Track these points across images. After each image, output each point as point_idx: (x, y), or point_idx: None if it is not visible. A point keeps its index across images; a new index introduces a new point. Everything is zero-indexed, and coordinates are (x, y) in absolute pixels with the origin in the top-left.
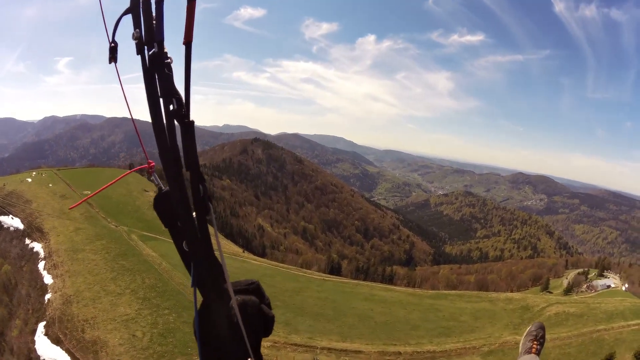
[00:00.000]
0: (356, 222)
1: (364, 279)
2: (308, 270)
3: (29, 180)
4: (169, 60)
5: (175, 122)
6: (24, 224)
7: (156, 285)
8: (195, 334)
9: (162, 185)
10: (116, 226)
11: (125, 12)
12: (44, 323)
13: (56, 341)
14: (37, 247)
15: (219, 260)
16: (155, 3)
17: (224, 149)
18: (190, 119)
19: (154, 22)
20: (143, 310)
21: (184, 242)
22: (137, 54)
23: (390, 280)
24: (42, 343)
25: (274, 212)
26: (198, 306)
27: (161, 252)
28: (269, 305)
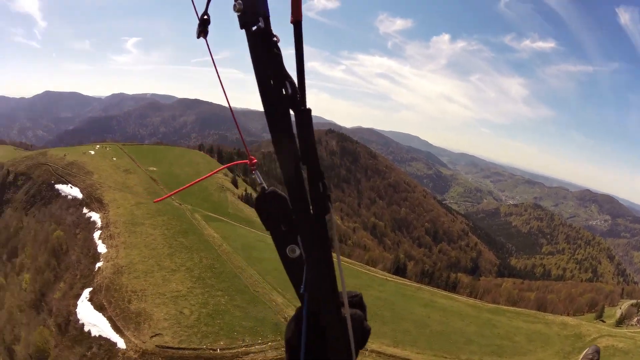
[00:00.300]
0: (426, 223)
1: (428, 283)
2: (372, 268)
3: (92, 152)
4: (275, 39)
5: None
6: (83, 194)
7: (213, 265)
8: (289, 340)
9: (265, 184)
10: (179, 204)
11: None
12: (90, 289)
13: (99, 307)
14: (95, 216)
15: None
16: None
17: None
18: (307, 107)
19: None
20: (195, 289)
21: (289, 246)
22: (241, 28)
23: (453, 287)
24: (84, 308)
25: (345, 206)
26: (295, 312)
27: (223, 234)
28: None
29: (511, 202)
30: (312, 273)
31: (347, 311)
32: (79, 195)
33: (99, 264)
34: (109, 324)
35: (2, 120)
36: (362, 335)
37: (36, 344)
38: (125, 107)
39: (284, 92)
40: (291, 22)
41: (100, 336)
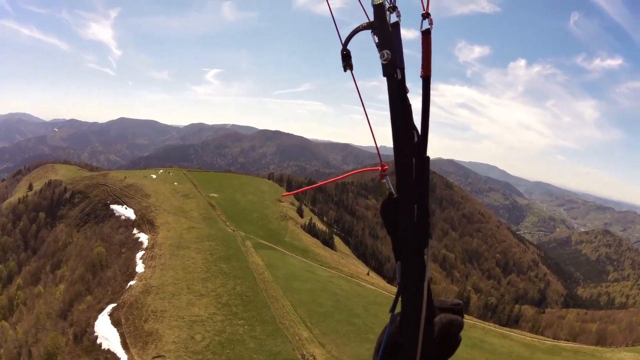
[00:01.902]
0: (497, 255)
1: (490, 318)
2: None
3: (154, 176)
4: (406, 91)
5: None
6: (136, 215)
7: (245, 293)
8: (384, 348)
9: (393, 190)
10: (233, 230)
11: (365, 27)
12: (114, 305)
13: (116, 323)
14: (143, 237)
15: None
16: (391, 26)
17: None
18: (427, 155)
19: (394, 46)
20: (217, 315)
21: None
22: (384, 76)
23: (516, 321)
24: (102, 321)
25: None
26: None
27: (269, 261)
28: None
29: (582, 229)
30: (403, 298)
31: (439, 321)
32: (132, 216)
33: (131, 282)
34: (120, 340)
35: (74, 143)
36: (455, 344)
37: (47, 348)
38: (204, 136)
39: (413, 141)
40: (421, 77)
41: (108, 350)
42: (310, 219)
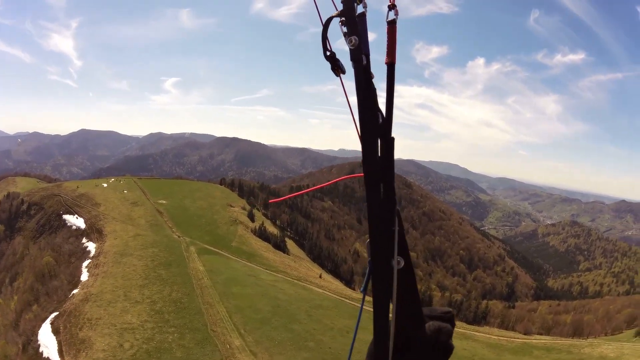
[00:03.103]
0: (461, 251)
1: (456, 315)
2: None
3: (105, 185)
4: (372, 76)
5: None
6: (86, 224)
7: (180, 299)
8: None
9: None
10: (179, 236)
11: (335, 16)
12: (56, 314)
13: (56, 331)
14: (91, 246)
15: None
16: (358, 16)
17: (332, 171)
18: (392, 136)
19: (360, 33)
20: (148, 322)
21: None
22: (352, 61)
23: (483, 317)
24: (45, 330)
25: None
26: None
27: (211, 267)
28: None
29: (549, 222)
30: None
31: (429, 326)
32: (82, 226)
33: (75, 291)
34: (57, 348)
35: (37, 156)
36: (446, 351)
37: None
38: (163, 145)
39: (377, 122)
40: (386, 63)
41: (48, 358)
42: (262, 223)
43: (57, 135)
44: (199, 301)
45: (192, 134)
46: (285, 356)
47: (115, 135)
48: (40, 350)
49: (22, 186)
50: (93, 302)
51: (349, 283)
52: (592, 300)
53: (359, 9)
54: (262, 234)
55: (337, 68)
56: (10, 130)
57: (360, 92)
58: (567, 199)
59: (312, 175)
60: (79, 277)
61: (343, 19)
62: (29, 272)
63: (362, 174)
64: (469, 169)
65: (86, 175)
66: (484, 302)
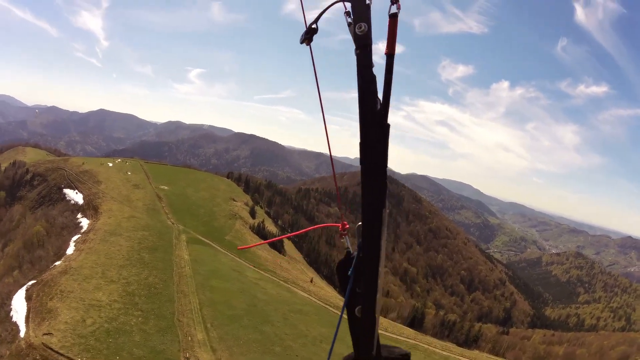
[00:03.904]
0: (462, 271)
1: (447, 336)
2: None
3: (110, 164)
4: (372, 65)
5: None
6: (84, 200)
7: (155, 285)
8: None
9: (350, 249)
10: (173, 223)
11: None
12: (33, 282)
13: (28, 298)
14: (84, 222)
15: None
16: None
17: (344, 178)
18: (387, 123)
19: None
20: (117, 302)
21: (358, 308)
22: (358, 49)
23: (475, 340)
24: (19, 295)
25: None
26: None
27: (197, 257)
28: None
29: (554, 251)
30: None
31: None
32: (80, 202)
33: (57, 263)
34: (25, 314)
35: (52, 130)
36: None
37: None
38: (180, 135)
39: (376, 109)
40: (385, 54)
41: (15, 322)
42: (262, 221)
43: (75, 112)
44: (174, 289)
45: (210, 126)
46: (246, 357)
47: (134, 119)
48: (11, 314)
49: (30, 157)
50: (70, 275)
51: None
52: (587, 334)
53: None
54: (260, 232)
55: (308, 39)
56: (29, 102)
57: (361, 79)
58: (574, 229)
59: (324, 179)
60: (65, 250)
61: (349, 10)
62: (19, 239)
63: (339, 225)
64: (482, 191)
65: (99, 154)
66: (478, 325)
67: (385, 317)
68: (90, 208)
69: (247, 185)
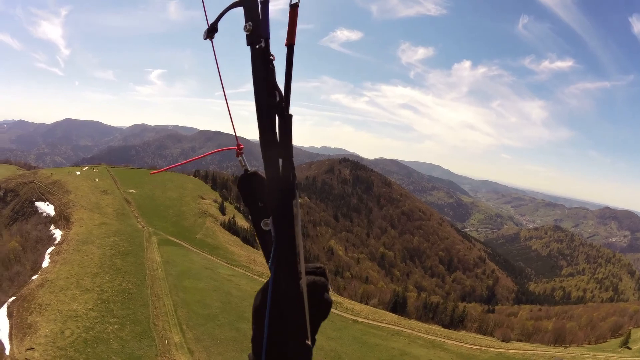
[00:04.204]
0: (440, 252)
1: (432, 318)
2: (349, 307)
3: (78, 173)
4: (272, 58)
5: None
6: (55, 212)
7: (129, 290)
8: (257, 309)
9: (248, 167)
10: (143, 226)
11: (236, 5)
12: (13, 298)
13: (10, 315)
14: (57, 234)
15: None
16: (261, 3)
17: (311, 167)
18: (289, 113)
19: (260, 19)
20: (93, 311)
21: (263, 220)
22: (247, 45)
23: (460, 321)
24: (1, 313)
25: (352, 235)
26: (264, 283)
27: (169, 258)
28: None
29: (531, 226)
30: (277, 248)
31: (304, 281)
32: (52, 213)
33: (34, 277)
34: (8, 331)
35: (21, 145)
36: (323, 305)
37: None
38: (146, 137)
39: (274, 100)
40: (285, 45)
41: (0, 340)
42: (233, 216)
43: (42, 124)
44: (148, 292)
45: (175, 126)
46: (224, 356)
47: (99, 126)
48: None
49: (1, 173)
50: (47, 288)
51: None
52: (574, 307)
53: None
54: (231, 228)
55: (209, 36)
56: None
57: (255, 73)
58: (550, 203)
59: None
60: (41, 264)
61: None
62: None
63: (235, 147)
64: (452, 171)
65: (69, 164)
66: (462, 305)
67: (366, 304)
68: (62, 219)
69: (215, 182)
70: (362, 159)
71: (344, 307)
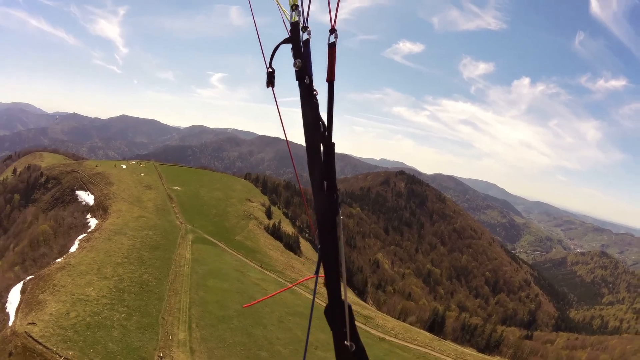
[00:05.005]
0: (487, 273)
1: (468, 340)
2: (380, 323)
3: (124, 167)
4: (315, 92)
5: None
6: (95, 202)
7: (148, 282)
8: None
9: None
10: (181, 223)
11: (285, 41)
12: (32, 277)
13: (22, 291)
14: (93, 222)
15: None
16: (303, 42)
17: (367, 178)
18: (332, 142)
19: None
20: (104, 298)
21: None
22: (297, 80)
23: (496, 346)
24: (17, 289)
25: (400, 250)
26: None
27: (199, 256)
28: None
29: (579, 250)
30: (321, 259)
31: (345, 298)
32: (91, 202)
33: (59, 259)
34: (17, 305)
35: (74, 136)
36: None
37: None
38: (204, 139)
39: (319, 130)
40: (327, 81)
41: (7, 312)
42: (279, 222)
43: (96, 119)
44: (166, 287)
45: (234, 130)
46: None
47: (157, 124)
48: (6, 305)
49: (48, 161)
50: (66, 271)
51: (360, 293)
52: (610, 337)
53: (304, 36)
54: (274, 232)
55: (270, 82)
56: (48, 109)
57: (303, 106)
58: (598, 228)
59: (346, 180)
60: (69, 249)
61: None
62: (26, 238)
63: (313, 276)
64: (507, 190)
65: (122, 160)
66: (501, 328)
67: (403, 321)
68: (100, 209)
69: (265, 186)
70: (420, 173)
71: (375, 323)
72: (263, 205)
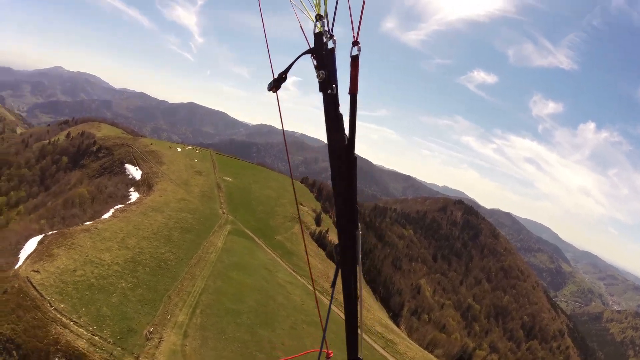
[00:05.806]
0: (525, 317)
1: None
2: (402, 351)
3: (179, 150)
4: (339, 105)
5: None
6: (142, 177)
7: (168, 260)
8: None
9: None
10: (224, 212)
11: (307, 52)
12: (54, 232)
13: (40, 243)
14: (134, 196)
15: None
16: (328, 51)
17: (425, 202)
18: (354, 155)
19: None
20: (116, 265)
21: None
22: (320, 92)
23: None
24: (35, 239)
25: (445, 279)
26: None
27: (231, 247)
28: None
29: (616, 307)
30: (339, 270)
31: (360, 299)
32: (138, 177)
33: (87, 223)
34: (30, 252)
35: (138, 114)
36: None
37: None
38: (271, 139)
39: (343, 143)
40: (349, 93)
41: (18, 257)
42: (327, 230)
43: (164, 102)
44: (184, 269)
45: (302, 135)
46: (216, 352)
47: (225, 117)
48: (20, 252)
49: (104, 132)
50: (90, 233)
51: (395, 316)
52: None
53: (330, 44)
54: (319, 239)
55: (276, 87)
56: (116, 84)
57: (328, 118)
58: (638, 287)
59: (405, 201)
60: (102, 215)
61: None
62: (63, 197)
63: (325, 350)
64: (559, 235)
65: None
66: None
67: (431, 352)
68: (145, 184)
69: (320, 192)
70: (478, 206)
71: (395, 350)
72: (314, 210)
